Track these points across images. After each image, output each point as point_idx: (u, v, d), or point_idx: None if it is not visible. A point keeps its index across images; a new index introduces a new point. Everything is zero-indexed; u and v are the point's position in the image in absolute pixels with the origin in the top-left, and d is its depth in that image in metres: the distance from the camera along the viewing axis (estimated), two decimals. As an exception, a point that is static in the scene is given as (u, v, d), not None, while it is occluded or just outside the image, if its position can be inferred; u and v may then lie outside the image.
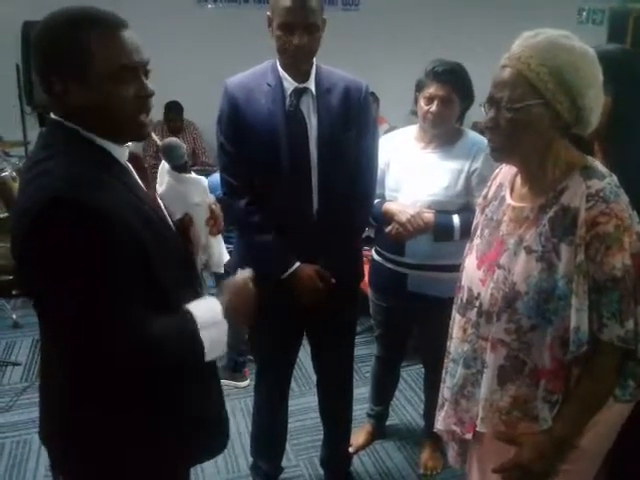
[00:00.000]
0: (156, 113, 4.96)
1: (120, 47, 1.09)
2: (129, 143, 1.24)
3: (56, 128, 1.13)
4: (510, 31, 1.28)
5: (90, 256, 1.03)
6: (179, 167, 1.41)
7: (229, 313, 1.23)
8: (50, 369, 1.24)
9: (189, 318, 1.16)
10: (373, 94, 4.78)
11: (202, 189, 1.43)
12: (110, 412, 1.17)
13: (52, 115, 1.14)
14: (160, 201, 1.34)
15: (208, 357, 1.19)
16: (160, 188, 1.41)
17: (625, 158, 1.53)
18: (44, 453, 2.56)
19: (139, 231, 1.10)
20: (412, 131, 2.23)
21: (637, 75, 1.60)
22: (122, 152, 1.20)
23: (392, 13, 5.59)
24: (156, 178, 1.45)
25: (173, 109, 5.14)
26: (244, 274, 1.33)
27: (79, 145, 1.12)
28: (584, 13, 6.50)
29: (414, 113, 2.18)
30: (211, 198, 1.48)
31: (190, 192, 1.40)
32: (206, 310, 1.20)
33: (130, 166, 1.24)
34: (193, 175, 1.44)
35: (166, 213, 1.32)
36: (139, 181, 1.24)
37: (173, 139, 1.45)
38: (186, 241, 1.38)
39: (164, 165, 1.43)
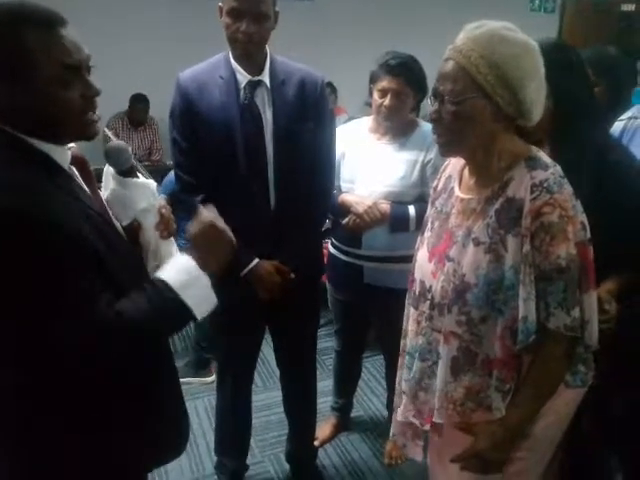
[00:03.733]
0: (122, 105, 4.89)
1: (61, 46, 1.04)
2: (72, 144, 1.19)
3: None
4: (464, 20, 1.28)
5: (36, 264, 0.99)
6: (124, 172, 1.37)
7: (200, 262, 1.16)
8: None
9: (163, 286, 1.11)
10: (331, 85, 4.77)
11: (149, 193, 1.40)
12: (59, 421, 1.13)
13: None
14: (107, 205, 1.30)
15: (200, 315, 1.15)
16: (105, 193, 1.37)
17: (567, 149, 1.54)
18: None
19: (87, 235, 1.06)
20: (366, 122, 2.23)
21: (572, 68, 1.60)
22: (64, 155, 1.14)
23: (347, 3, 5.57)
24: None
25: (138, 101, 5.03)
26: (208, 214, 1.22)
27: (16, 150, 1.06)
28: (536, 1, 6.58)
29: (369, 105, 2.18)
30: (160, 201, 1.44)
31: (136, 197, 1.37)
32: (178, 271, 1.15)
33: (74, 169, 1.19)
34: (140, 179, 1.40)
35: (113, 217, 1.28)
36: (83, 185, 1.20)
37: (118, 142, 1.41)
38: (136, 246, 1.35)
39: (108, 169, 1.39)
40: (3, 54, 1.01)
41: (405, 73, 2.05)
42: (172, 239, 1.48)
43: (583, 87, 1.61)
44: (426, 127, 2.17)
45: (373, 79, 2.11)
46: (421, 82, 2.11)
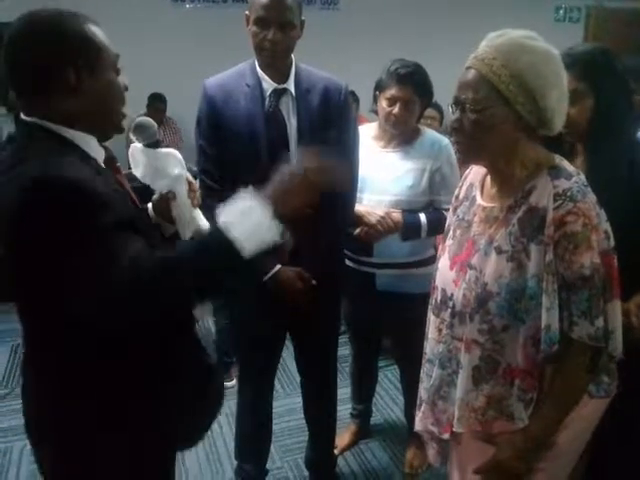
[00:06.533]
0: (140, 105, 4.94)
1: (108, 40, 1.17)
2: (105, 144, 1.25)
3: (31, 130, 1.11)
4: (488, 30, 1.28)
5: (86, 222, 1.01)
6: (152, 144, 1.40)
7: (275, 196, 1.08)
8: (35, 373, 1.22)
9: (211, 225, 1.09)
10: (353, 93, 4.78)
11: (178, 161, 1.43)
12: (100, 414, 1.16)
13: (23, 116, 1.13)
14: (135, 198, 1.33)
15: (248, 249, 1.04)
16: (138, 170, 1.41)
17: (607, 156, 1.54)
18: (25, 462, 2.54)
19: (122, 208, 1.11)
20: (370, 130, 2.23)
21: (616, 73, 1.61)
22: (100, 153, 1.20)
23: (371, 11, 5.59)
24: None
25: (156, 99, 5.13)
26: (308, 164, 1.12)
27: (57, 144, 1.11)
28: (561, 11, 6.57)
29: (374, 112, 2.18)
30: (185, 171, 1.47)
31: (169, 165, 1.41)
32: (230, 207, 1.08)
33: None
34: (167, 149, 1.44)
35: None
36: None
37: (144, 118, 1.43)
38: (168, 219, 1.41)
39: (135, 147, 1.42)
40: (78, 43, 1.10)
41: (413, 82, 2.06)
42: (198, 209, 1.49)
43: (624, 93, 1.63)
44: (429, 134, 2.18)
45: (380, 87, 2.11)
46: (428, 90, 2.13)
